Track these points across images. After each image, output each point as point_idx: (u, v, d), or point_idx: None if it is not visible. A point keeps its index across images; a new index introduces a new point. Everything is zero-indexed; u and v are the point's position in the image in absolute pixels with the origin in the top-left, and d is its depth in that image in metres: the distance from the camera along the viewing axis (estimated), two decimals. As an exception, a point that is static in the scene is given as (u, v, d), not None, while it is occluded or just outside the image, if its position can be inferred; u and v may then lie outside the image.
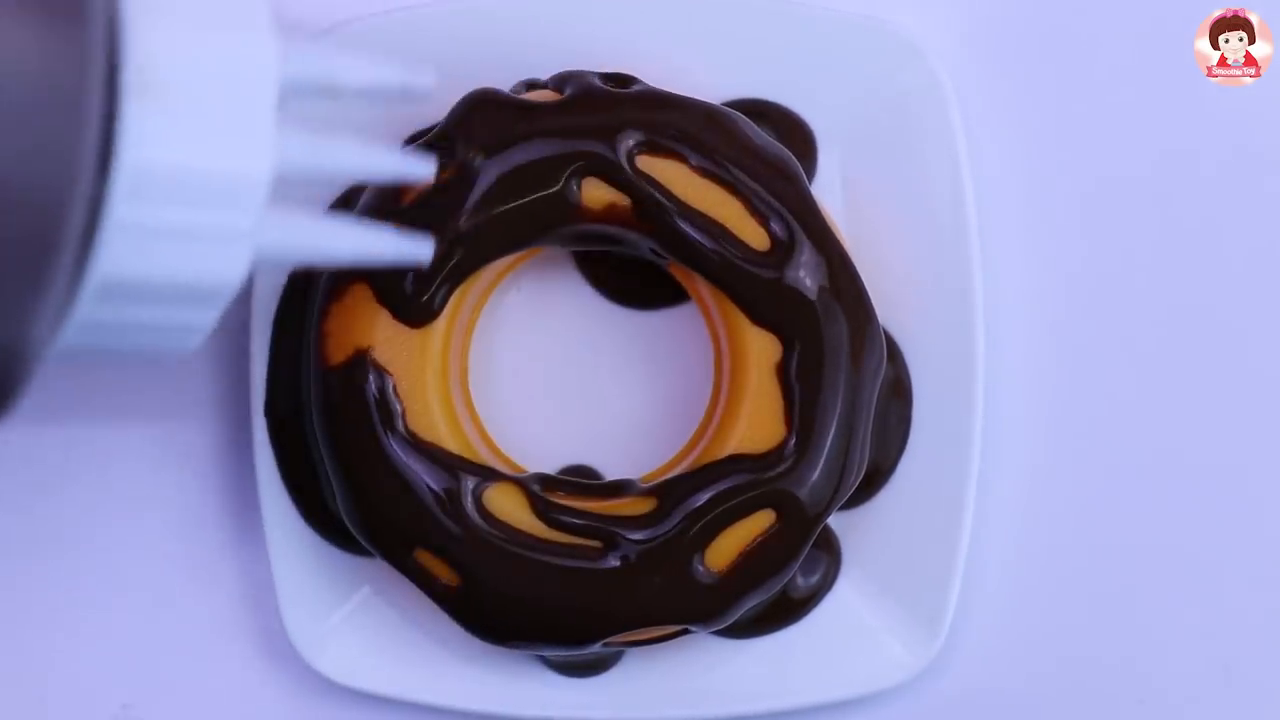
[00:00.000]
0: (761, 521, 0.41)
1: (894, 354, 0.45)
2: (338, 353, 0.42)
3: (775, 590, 0.43)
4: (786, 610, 0.45)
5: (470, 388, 0.45)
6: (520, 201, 0.41)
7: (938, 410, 0.45)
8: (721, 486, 0.41)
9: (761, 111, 0.45)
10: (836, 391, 0.41)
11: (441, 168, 0.40)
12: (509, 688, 0.45)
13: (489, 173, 0.41)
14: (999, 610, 0.46)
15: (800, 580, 0.45)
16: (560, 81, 0.43)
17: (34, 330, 0.29)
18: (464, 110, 0.42)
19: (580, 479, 0.44)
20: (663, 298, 0.46)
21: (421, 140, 0.42)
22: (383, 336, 0.42)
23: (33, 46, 0.27)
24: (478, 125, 0.41)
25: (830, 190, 0.45)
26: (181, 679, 0.47)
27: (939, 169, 0.44)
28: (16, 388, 0.30)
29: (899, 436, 0.45)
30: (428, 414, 0.42)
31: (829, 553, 0.45)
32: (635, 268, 0.45)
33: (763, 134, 0.43)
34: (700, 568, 0.41)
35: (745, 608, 0.42)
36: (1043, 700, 0.46)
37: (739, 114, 0.43)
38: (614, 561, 0.41)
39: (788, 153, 0.42)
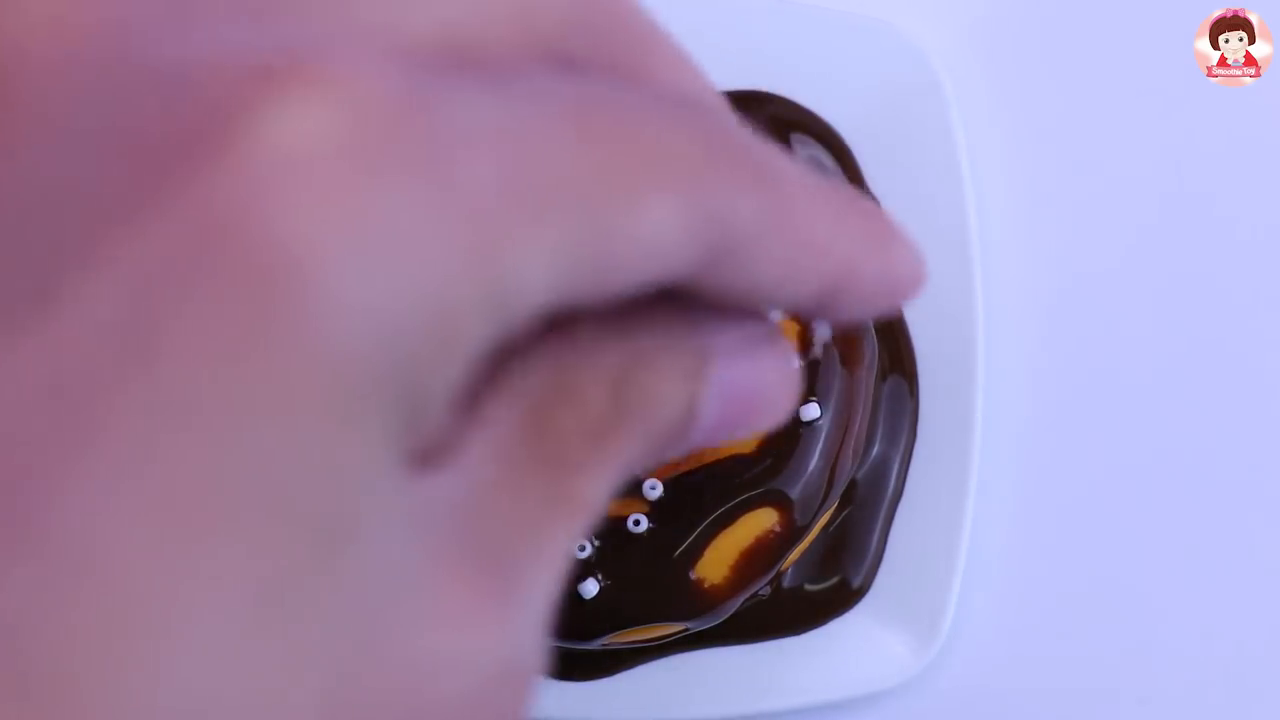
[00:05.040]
0: (761, 520, 0.42)
1: (901, 355, 0.45)
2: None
3: (765, 586, 0.43)
4: (809, 616, 0.45)
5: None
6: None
7: (937, 411, 0.45)
8: (718, 486, 0.42)
9: (799, 122, 0.45)
10: (830, 390, 0.42)
11: None
12: (509, 687, 0.45)
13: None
14: (999, 610, 0.46)
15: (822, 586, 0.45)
16: None
17: None
18: None
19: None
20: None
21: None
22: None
23: None
24: None
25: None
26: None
27: (939, 169, 0.44)
28: None
29: (905, 436, 0.45)
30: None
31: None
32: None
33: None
34: (697, 567, 0.42)
35: (738, 604, 0.43)
36: (1042, 700, 0.46)
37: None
38: (612, 560, 0.41)
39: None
